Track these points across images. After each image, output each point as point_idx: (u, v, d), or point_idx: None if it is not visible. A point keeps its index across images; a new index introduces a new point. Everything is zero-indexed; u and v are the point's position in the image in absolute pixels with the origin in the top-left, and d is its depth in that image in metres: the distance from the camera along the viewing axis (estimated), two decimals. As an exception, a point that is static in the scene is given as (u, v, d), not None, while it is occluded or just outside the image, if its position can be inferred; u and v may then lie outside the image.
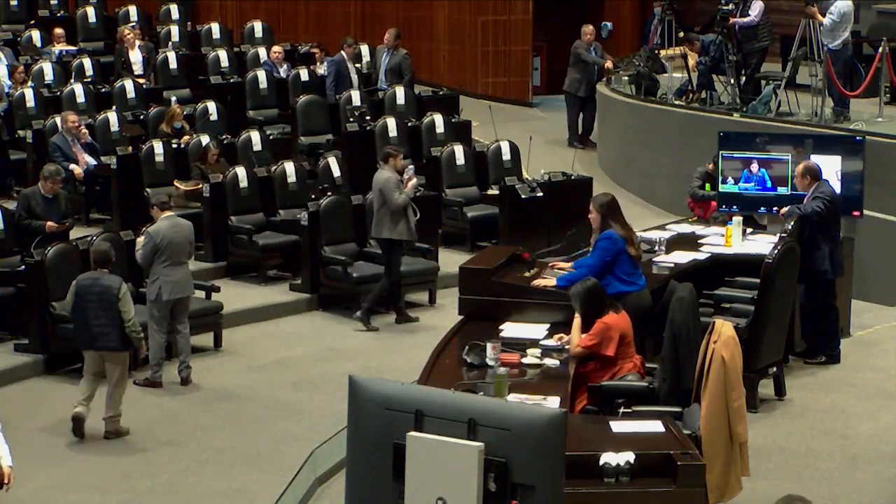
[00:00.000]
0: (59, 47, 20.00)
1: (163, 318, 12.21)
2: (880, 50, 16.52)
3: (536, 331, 10.01)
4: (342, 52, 19.23)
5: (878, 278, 14.65)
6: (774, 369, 11.52)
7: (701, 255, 12.34)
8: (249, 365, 12.97)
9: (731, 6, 17.38)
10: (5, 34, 20.80)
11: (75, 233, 14.18)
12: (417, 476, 5.32)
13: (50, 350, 12.61)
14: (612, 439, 8.08)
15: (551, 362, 9.44)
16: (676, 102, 18.20)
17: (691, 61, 18.89)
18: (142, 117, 17.57)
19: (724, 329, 8.71)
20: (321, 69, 19.59)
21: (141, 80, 18.86)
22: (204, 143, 16.07)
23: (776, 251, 11.31)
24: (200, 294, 13.22)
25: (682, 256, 12.16)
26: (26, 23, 21.61)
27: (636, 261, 10.61)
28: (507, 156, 16.89)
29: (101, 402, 11.29)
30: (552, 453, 5.25)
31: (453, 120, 18.10)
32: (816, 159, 12.69)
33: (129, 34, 19.54)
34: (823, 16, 16.41)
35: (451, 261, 14.72)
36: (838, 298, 12.54)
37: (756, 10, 17.57)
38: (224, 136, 16.90)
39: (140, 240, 12.55)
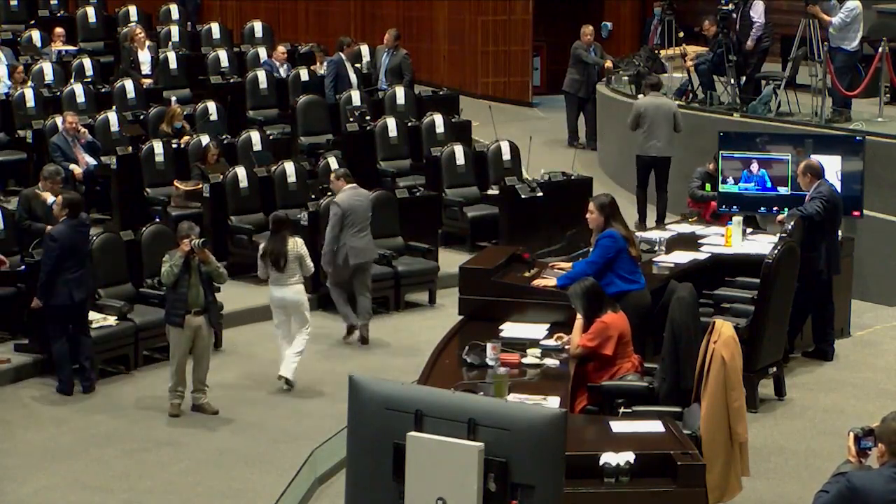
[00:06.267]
0: (58, 47, 20.01)
1: (343, 282, 13.30)
2: (880, 50, 16.52)
3: (536, 331, 10.00)
4: (340, 52, 19.22)
5: (878, 278, 14.65)
6: (774, 369, 11.53)
7: (701, 255, 12.34)
8: (249, 365, 12.97)
9: (730, 6, 17.39)
10: (5, 34, 20.81)
11: (75, 233, 14.19)
12: (417, 476, 5.32)
13: (50, 350, 12.60)
14: (612, 439, 8.07)
15: (551, 362, 9.44)
16: (676, 102, 18.18)
17: (691, 52, 18.90)
18: (142, 117, 17.58)
19: (724, 329, 8.71)
20: (321, 69, 19.60)
21: (149, 80, 18.89)
22: (204, 143, 16.07)
23: (776, 251, 11.31)
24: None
25: (682, 256, 12.16)
26: (26, 23, 21.63)
27: (636, 261, 10.62)
28: (507, 156, 16.90)
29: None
30: (552, 453, 5.25)
31: (453, 120, 18.10)
32: (816, 159, 12.69)
33: (140, 34, 19.62)
34: (826, 15, 16.41)
35: (451, 261, 14.73)
36: (837, 298, 12.57)
37: (758, 11, 17.62)
38: (224, 136, 16.91)
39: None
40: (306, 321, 12.25)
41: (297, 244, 12.23)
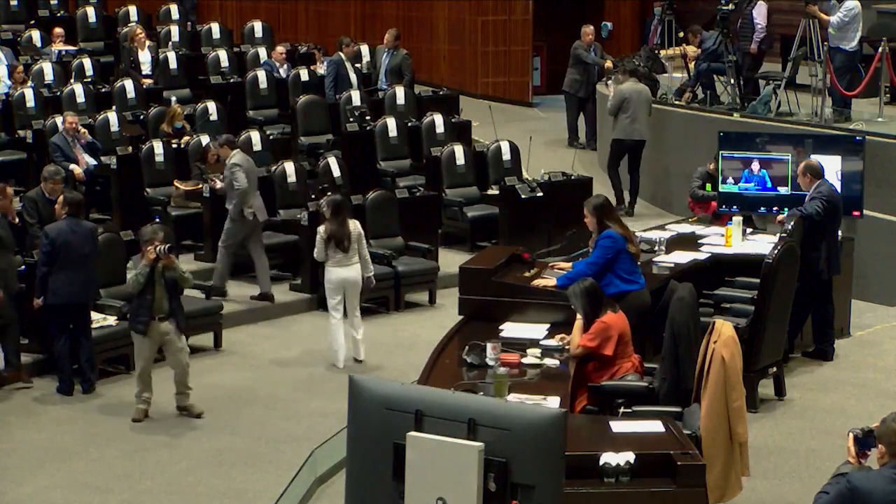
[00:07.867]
0: (58, 47, 20.00)
1: (236, 244, 14.12)
2: (880, 50, 16.52)
3: (536, 331, 10.01)
4: (340, 52, 19.22)
5: (878, 278, 14.65)
6: (774, 369, 11.53)
7: (701, 255, 12.34)
8: (249, 365, 12.98)
9: (730, 6, 17.40)
10: (5, 34, 20.81)
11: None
12: (417, 476, 5.32)
13: (50, 350, 12.60)
14: (612, 439, 8.08)
15: (551, 362, 9.44)
16: (676, 102, 18.21)
17: (691, 52, 18.90)
18: (142, 117, 17.57)
19: (724, 329, 8.71)
20: (321, 69, 19.60)
21: (149, 80, 18.89)
22: (204, 143, 16.07)
23: (776, 251, 11.31)
24: (200, 294, 13.24)
25: (682, 256, 12.16)
26: (26, 23, 21.62)
27: (636, 259, 10.63)
28: (507, 156, 16.90)
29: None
30: (552, 453, 5.25)
31: (453, 120, 18.09)
32: (816, 159, 12.69)
33: (140, 34, 19.62)
34: (826, 15, 16.42)
35: (451, 261, 14.73)
36: (837, 298, 12.57)
37: (762, 14, 17.67)
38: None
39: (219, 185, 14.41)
40: (358, 300, 12.76)
41: (356, 226, 12.72)
